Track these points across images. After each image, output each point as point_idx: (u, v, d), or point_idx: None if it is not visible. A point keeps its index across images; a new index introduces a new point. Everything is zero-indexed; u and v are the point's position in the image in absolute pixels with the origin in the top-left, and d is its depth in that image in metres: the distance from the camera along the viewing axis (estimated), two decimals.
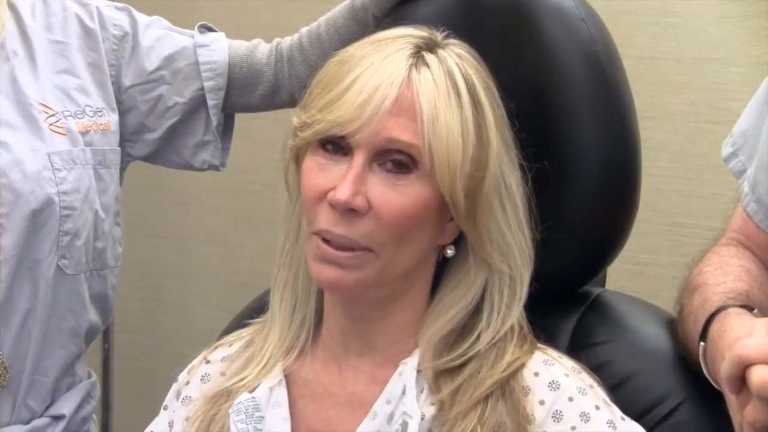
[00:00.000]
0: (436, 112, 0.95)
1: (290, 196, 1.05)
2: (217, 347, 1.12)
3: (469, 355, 1.00)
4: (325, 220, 0.95)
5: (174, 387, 1.12)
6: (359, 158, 0.94)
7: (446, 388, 0.98)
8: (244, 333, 1.12)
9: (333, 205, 0.94)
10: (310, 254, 0.98)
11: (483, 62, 1.01)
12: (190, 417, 1.07)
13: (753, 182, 1.16)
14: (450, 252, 1.01)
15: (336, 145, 0.96)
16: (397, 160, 0.95)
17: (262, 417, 1.02)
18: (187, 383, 1.10)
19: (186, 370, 1.13)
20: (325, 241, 0.95)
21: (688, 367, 1.08)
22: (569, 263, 1.17)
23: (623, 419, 0.98)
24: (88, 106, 1.39)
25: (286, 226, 1.07)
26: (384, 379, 1.00)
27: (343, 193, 0.92)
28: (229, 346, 1.11)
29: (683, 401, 1.08)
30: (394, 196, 0.94)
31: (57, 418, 1.37)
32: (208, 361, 1.11)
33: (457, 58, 0.98)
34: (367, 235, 0.94)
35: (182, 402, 1.09)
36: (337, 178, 0.94)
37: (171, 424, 1.11)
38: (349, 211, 0.93)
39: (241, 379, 1.05)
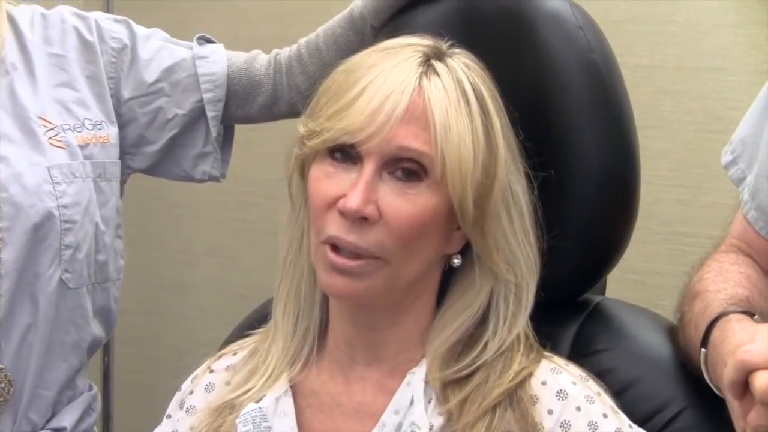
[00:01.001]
0: (447, 120, 0.95)
1: (293, 207, 1.05)
2: (220, 356, 1.12)
3: (476, 364, 0.99)
4: (336, 227, 0.94)
5: (177, 396, 1.13)
6: (370, 166, 0.93)
7: (454, 398, 0.98)
8: (248, 342, 1.12)
9: (344, 214, 0.93)
10: (319, 264, 0.97)
11: (487, 71, 1.02)
12: (195, 427, 1.07)
13: (753, 189, 1.17)
14: (457, 261, 1.01)
15: (345, 153, 0.95)
16: (407, 168, 0.95)
17: (270, 427, 1.02)
18: (191, 392, 1.11)
19: (189, 379, 1.13)
20: (334, 249, 0.95)
21: (690, 374, 1.08)
22: (569, 271, 1.18)
23: (631, 427, 0.99)
24: (87, 119, 1.39)
25: (288, 236, 1.06)
26: (392, 389, 1.00)
27: (354, 201, 0.92)
28: (233, 354, 1.11)
29: (685, 408, 1.08)
30: (404, 204, 0.94)
31: (58, 431, 1.37)
32: (211, 371, 1.11)
33: (464, 66, 0.99)
34: (377, 244, 0.94)
35: (186, 411, 1.09)
36: (346, 186, 0.94)
37: (170, 416, 1.12)
38: (360, 219, 0.93)
39: (245, 392, 1.05)
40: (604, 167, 1.16)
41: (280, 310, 1.07)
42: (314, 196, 0.97)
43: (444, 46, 1.01)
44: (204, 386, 1.10)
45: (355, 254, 0.95)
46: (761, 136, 1.19)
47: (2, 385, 1.29)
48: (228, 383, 1.08)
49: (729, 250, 1.20)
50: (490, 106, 0.98)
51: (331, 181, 0.95)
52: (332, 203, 0.95)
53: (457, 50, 1.02)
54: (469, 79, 0.98)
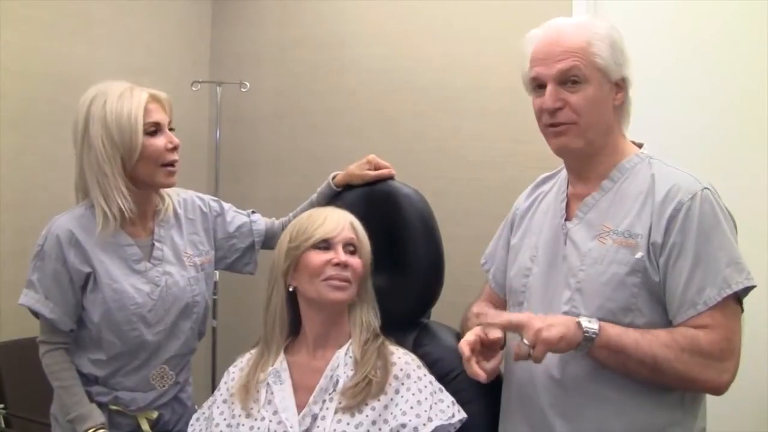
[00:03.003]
0: (361, 230, 1.93)
1: (276, 282, 1.93)
2: (243, 358, 2.00)
3: (367, 339, 1.89)
4: (333, 272, 1.85)
5: (225, 374, 2.00)
6: (339, 246, 1.88)
7: (361, 353, 1.87)
8: (253, 351, 2.00)
9: (337, 264, 1.85)
10: (326, 290, 1.85)
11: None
12: (235, 390, 1.90)
13: (493, 275, 2.02)
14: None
15: (324, 244, 1.87)
16: (352, 247, 1.88)
17: (280, 376, 1.89)
18: (233, 370, 1.98)
19: (232, 366, 2.00)
20: (335, 279, 1.83)
21: None
22: (412, 308, 2.08)
23: (426, 375, 1.84)
24: (204, 249, 2.30)
25: (272, 306, 1.95)
26: (329, 358, 1.88)
27: (341, 257, 1.86)
28: (249, 354, 2.00)
29: (463, 370, 1.76)
30: (356, 262, 1.89)
31: (179, 382, 2.29)
32: (236, 365, 2.00)
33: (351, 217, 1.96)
34: (351, 278, 1.86)
35: (231, 378, 1.96)
36: (331, 255, 1.86)
37: (219, 388, 1.96)
38: (345, 266, 1.85)
39: (262, 370, 1.90)
40: (427, 261, 2.05)
41: (278, 333, 1.93)
42: (315, 262, 1.86)
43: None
44: (239, 368, 1.98)
45: (345, 281, 1.85)
46: (496, 249, 2.02)
47: (170, 374, 2.23)
48: (245, 366, 1.94)
49: (482, 301, 2.03)
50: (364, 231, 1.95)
51: (321, 256, 1.87)
52: (327, 263, 1.85)
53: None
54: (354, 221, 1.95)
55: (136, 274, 2.13)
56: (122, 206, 2.06)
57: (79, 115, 2.09)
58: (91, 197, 2.09)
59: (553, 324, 1.60)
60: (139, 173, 2.08)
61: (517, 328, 1.62)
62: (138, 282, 2.12)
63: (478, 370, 1.68)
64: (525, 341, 1.59)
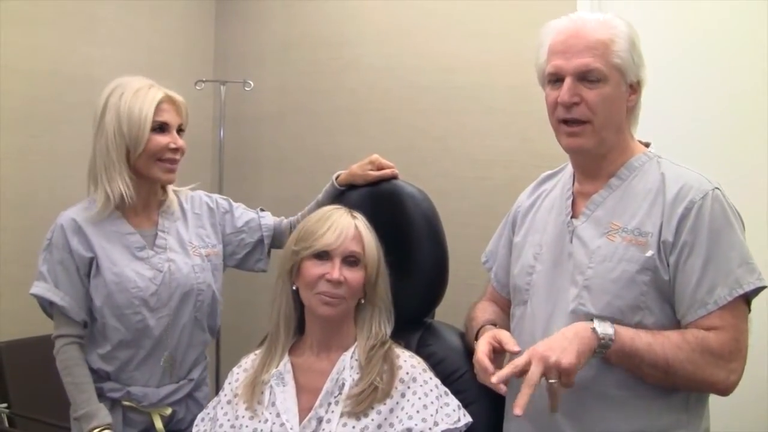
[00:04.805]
0: (368, 238, 1.88)
1: (283, 282, 1.93)
2: (247, 359, 1.99)
3: (374, 344, 1.87)
4: (326, 288, 1.83)
5: (229, 375, 1.99)
6: (337, 260, 1.84)
7: (366, 359, 1.85)
8: (257, 351, 1.99)
9: (329, 281, 1.82)
10: (316, 303, 1.83)
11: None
12: (239, 390, 1.90)
13: (494, 274, 2.03)
14: (363, 300, 1.92)
15: (323, 255, 1.85)
16: (353, 259, 1.85)
17: (283, 378, 1.89)
18: (237, 371, 1.98)
19: (236, 366, 2.00)
20: (324, 296, 1.81)
21: (470, 354, 1.84)
22: (417, 307, 2.07)
23: (432, 379, 1.83)
24: (210, 243, 2.34)
25: (277, 303, 1.94)
26: (334, 361, 1.87)
27: (335, 275, 1.82)
28: (254, 354, 1.98)
29: (467, 370, 1.87)
30: (353, 276, 1.85)
31: (192, 380, 2.33)
32: (240, 365, 2.00)
33: (362, 217, 1.92)
34: (345, 294, 1.83)
35: (236, 379, 1.96)
36: (327, 269, 1.83)
37: (224, 388, 1.95)
38: (338, 283, 1.82)
39: (266, 372, 1.89)
40: (432, 260, 2.04)
41: (282, 332, 1.92)
42: (311, 274, 1.84)
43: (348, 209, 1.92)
44: (244, 369, 1.97)
45: (338, 296, 1.82)
46: (497, 248, 2.04)
47: (170, 360, 2.23)
48: (251, 368, 1.93)
49: (485, 300, 2.03)
50: (374, 234, 1.91)
51: (317, 268, 1.85)
52: (321, 276, 1.83)
53: (353, 211, 1.93)
54: (365, 222, 1.91)
55: (138, 261, 2.20)
56: (123, 191, 2.17)
57: (99, 103, 2.22)
58: (97, 181, 2.21)
59: (565, 347, 1.58)
60: (139, 166, 2.19)
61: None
62: (140, 267, 2.20)
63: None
64: (551, 380, 1.56)
